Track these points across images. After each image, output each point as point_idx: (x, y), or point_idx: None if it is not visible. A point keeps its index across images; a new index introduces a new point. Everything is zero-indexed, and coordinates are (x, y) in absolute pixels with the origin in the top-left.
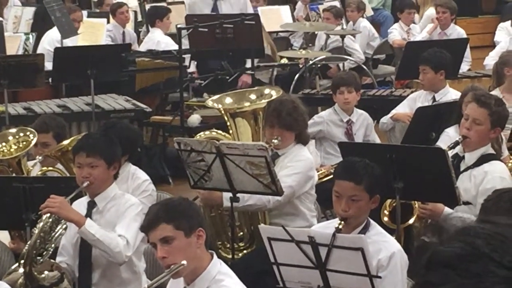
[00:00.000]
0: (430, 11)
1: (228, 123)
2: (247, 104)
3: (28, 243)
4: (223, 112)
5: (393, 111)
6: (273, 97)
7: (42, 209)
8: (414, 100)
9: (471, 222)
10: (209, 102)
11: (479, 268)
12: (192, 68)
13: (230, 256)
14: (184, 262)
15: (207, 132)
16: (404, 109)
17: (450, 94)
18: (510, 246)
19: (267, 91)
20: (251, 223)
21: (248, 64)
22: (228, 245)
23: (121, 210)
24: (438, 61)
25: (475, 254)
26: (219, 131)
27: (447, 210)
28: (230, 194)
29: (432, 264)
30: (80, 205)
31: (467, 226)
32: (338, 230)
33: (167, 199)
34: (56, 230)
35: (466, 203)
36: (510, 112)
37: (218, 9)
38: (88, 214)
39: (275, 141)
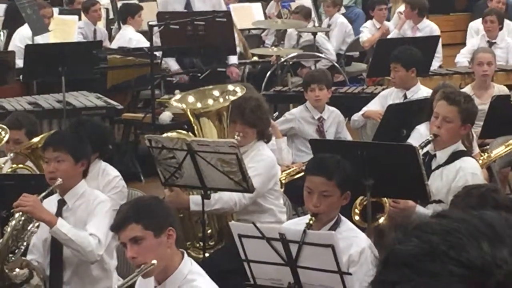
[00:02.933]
0: (402, 8)
1: (193, 124)
2: (210, 102)
3: (0, 241)
4: (188, 112)
5: (365, 109)
6: (237, 94)
7: (15, 207)
8: (385, 98)
9: (426, 216)
10: (173, 103)
11: (436, 267)
12: (175, 66)
13: (201, 256)
14: (155, 261)
15: (174, 133)
16: (376, 106)
17: (421, 91)
18: (466, 242)
19: (230, 87)
20: (218, 221)
21: (234, 60)
22: (198, 245)
23: (90, 208)
24: (409, 59)
25: (433, 252)
26: (184, 132)
27: (419, 208)
28: (197, 197)
29: (389, 263)
30: (51, 203)
31: (423, 222)
32: (308, 226)
33: (137, 198)
34: (28, 229)
35: (438, 201)
36: (480, 109)
37: (191, 6)
38: (59, 213)
39: (237, 137)
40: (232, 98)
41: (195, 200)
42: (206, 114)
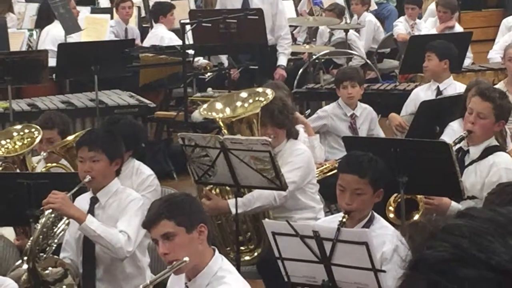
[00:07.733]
0: (433, 6)
1: (226, 132)
2: (239, 104)
3: (31, 238)
4: (220, 122)
5: (403, 112)
6: (268, 97)
7: (44, 204)
8: (418, 94)
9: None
10: (202, 113)
11: (467, 272)
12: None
13: (242, 259)
14: (186, 258)
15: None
16: (409, 106)
17: (455, 86)
18: (496, 245)
19: (260, 89)
20: (255, 222)
21: (282, 61)
22: (241, 248)
23: (122, 205)
24: (444, 50)
25: (463, 257)
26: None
27: (453, 204)
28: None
29: (418, 269)
30: (83, 201)
31: (451, 224)
32: (342, 224)
33: (169, 195)
34: (59, 226)
35: (472, 197)
36: None
37: (249, 2)
38: (91, 210)
39: (269, 139)
40: (262, 100)
41: (234, 204)
42: (237, 126)
